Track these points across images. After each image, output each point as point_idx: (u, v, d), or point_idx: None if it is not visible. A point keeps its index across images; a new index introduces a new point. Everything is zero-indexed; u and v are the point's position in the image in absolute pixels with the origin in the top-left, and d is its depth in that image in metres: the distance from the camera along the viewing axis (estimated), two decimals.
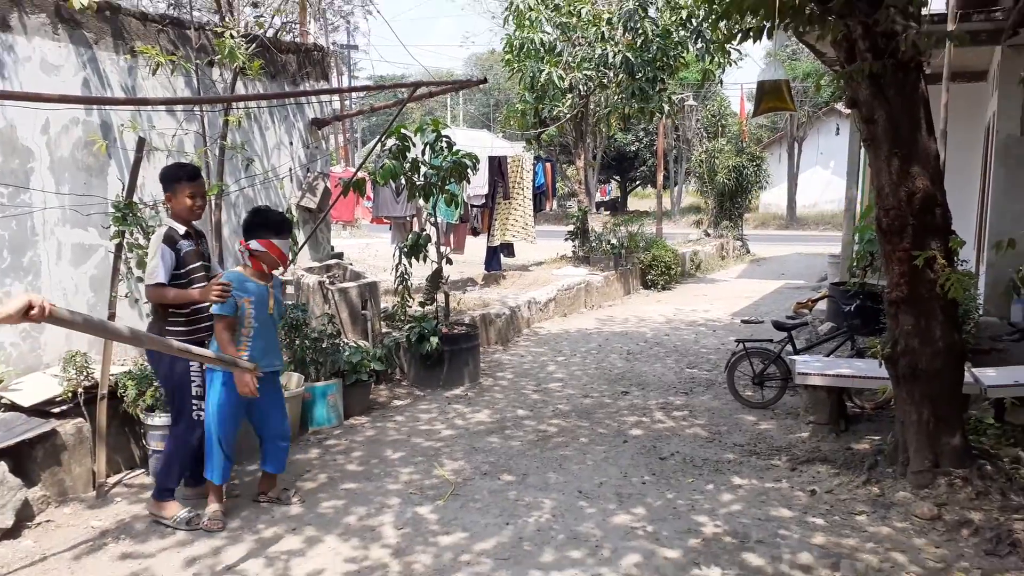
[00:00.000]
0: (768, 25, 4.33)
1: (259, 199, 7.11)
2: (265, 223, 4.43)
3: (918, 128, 4.39)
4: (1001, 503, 4.18)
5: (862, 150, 8.57)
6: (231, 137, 6.56)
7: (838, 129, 30.42)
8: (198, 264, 4.48)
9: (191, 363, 4.35)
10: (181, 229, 4.45)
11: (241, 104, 6.69)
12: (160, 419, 4.98)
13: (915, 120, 4.38)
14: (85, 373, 4.93)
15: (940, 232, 4.42)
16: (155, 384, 5.08)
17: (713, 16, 4.57)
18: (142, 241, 5.24)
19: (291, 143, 7.51)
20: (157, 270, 4.31)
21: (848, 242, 9.93)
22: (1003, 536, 3.85)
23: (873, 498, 4.49)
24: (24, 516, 4.34)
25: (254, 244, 4.39)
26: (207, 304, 4.34)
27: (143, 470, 5.22)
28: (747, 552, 3.90)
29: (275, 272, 4.64)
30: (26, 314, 2.56)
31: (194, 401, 4.42)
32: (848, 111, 4.80)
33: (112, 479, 5.02)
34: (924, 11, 5.73)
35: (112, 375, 5.03)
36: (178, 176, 4.46)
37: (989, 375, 5.35)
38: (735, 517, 4.33)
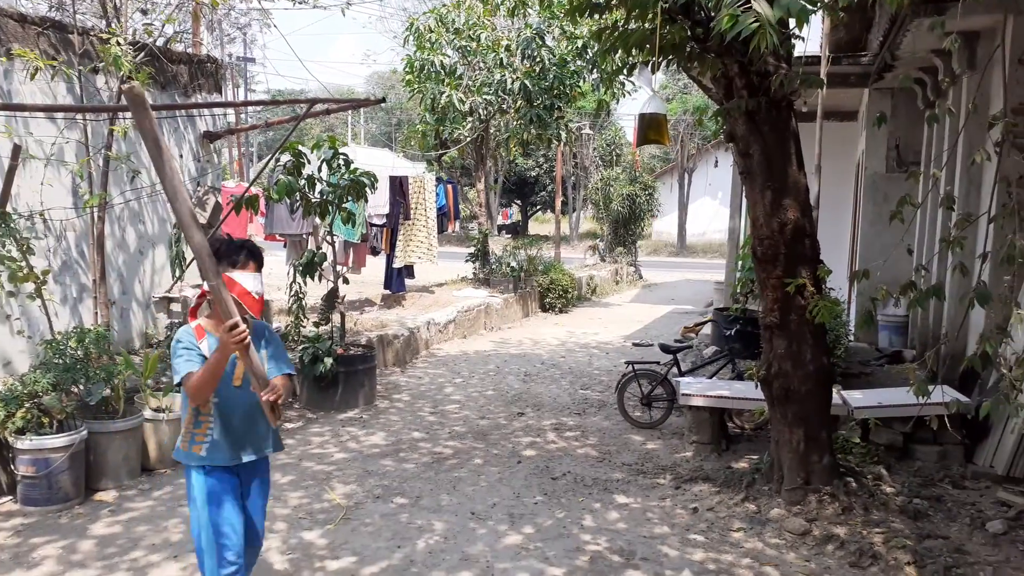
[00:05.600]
0: (652, 61, 4.52)
1: (145, 213, 6.84)
2: (219, 250, 3.09)
3: (789, 162, 4.69)
4: (864, 518, 4.47)
5: None
6: (116, 147, 6.29)
7: (717, 162, 31.58)
8: None
9: None
10: None
11: (128, 114, 6.43)
12: (30, 442, 4.68)
13: (787, 155, 4.69)
14: None
15: (809, 261, 4.73)
16: (26, 405, 4.78)
17: (602, 50, 4.71)
18: (15, 253, 4.95)
19: (181, 156, 7.27)
20: None
21: (731, 269, 10.44)
22: (865, 549, 4.13)
23: (750, 515, 4.71)
24: None
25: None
26: None
27: (10, 497, 4.88)
28: (631, 569, 4.02)
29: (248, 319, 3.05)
30: None
31: None
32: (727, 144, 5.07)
33: None
34: (800, 54, 6.15)
35: None
36: None
37: (856, 397, 5.75)
38: (621, 535, 4.46)
